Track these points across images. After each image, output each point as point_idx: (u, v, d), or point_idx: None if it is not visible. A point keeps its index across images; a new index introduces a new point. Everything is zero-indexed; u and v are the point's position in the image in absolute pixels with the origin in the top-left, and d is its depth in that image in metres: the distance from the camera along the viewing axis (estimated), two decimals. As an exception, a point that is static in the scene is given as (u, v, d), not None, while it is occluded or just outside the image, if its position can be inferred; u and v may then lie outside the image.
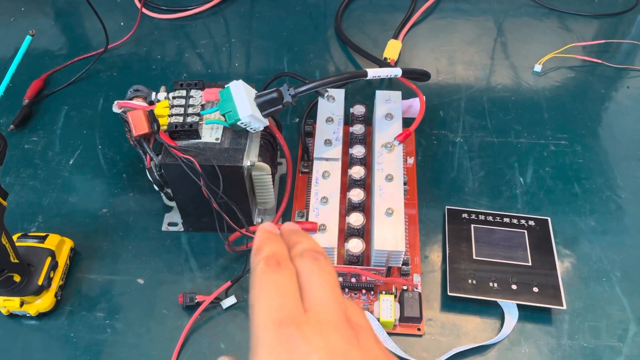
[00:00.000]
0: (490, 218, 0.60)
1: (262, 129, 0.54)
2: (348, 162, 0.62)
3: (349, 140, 0.64)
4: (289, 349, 0.23)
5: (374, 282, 0.56)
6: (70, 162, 0.70)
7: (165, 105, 0.54)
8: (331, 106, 0.64)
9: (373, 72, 0.56)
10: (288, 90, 0.52)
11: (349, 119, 0.66)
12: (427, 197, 0.65)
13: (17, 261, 0.52)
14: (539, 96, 0.76)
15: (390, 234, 0.53)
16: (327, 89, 0.64)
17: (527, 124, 0.72)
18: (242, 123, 0.52)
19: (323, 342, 0.24)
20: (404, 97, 0.65)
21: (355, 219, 0.56)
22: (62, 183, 0.67)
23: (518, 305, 0.55)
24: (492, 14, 0.88)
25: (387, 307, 0.53)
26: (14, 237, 0.57)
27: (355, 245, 0.54)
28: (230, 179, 0.53)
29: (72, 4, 0.92)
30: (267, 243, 0.29)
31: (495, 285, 0.55)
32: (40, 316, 0.56)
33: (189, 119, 0.53)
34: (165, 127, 0.53)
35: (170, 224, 0.63)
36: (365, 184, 0.60)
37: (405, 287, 0.56)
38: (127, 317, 0.56)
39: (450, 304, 0.56)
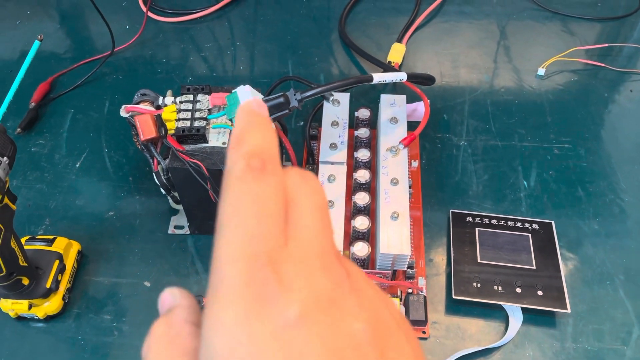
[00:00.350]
0: (494, 221, 0.61)
1: (268, 133, 0.54)
2: (353, 165, 0.62)
3: (354, 144, 0.64)
4: (262, 296, 0.17)
5: (379, 285, 0.56)
6: (77, 165, 0.70)
7: (173, 110, 0.55)
8: (336, 110, 0.64)
9: (379, 77, 0.57)
10: (295, 94, 0.53)
11: (353, 123, 0.66)
12: (431, 201, 0.65)
13: (26, 264, 0.52)
14: (543, 100, 0.76)
15: (396, 237, 0.53)
16: (333, 93, 0.64)
17: (530, 128, 0.73)
18: (248, 127, 0.52)
19: (307, 287, 0.18)
20: (409, 101, 0.66)
21: (361, 223, 0.56)
22: (68, 186, 0.68)
23: (522, 308, 0.55)
24: (495, 17, 0.88)
25: (392, 310, 0.54)
26: (22, 240, 0.57)
27: (360, 249, 0.55)
28: (237, 183, 0.53)
29: (77, 7, 0.93)
30: (251, 131, 0.21)
31: (500, 288, 0.55)
32: (48, 319, 0.57)
33: (196, 124, 0.54)
34: (172, 132, 0.54)
35: (176, 227, 0.63)
36: (371, 188, 0.60)
37: (410, 290, 0.56)
38: (134, 320, 0.57)
39: (455, 307, 0.57)
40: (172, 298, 0.22)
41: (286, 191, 0.21)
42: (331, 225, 0.21)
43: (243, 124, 0.22)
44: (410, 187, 0.62)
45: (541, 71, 0.79)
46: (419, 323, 0.54)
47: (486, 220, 0.61)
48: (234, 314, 0.17)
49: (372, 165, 0.62)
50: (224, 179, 0.20)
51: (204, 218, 0.60)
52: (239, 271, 0.18)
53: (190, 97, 0.56)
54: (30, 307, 0.55)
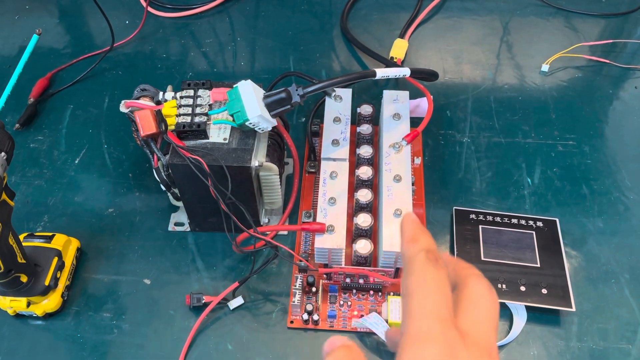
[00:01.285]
0: (498, 219, 0.60)
1: (270, 129, 0.54)
2: (355, 162, 0.61)
3: (356, 140, 0.63)
4: (452, 350, 0.23)
5: (382, 283, 0.56)
6: (76, 162, 0.69)
7: (173, 105, 0.54)
8: (338, 106, 0.63)
9: (382, 72, 0.56)
10: (296, 90, 0.52)
11: (356, 119, 0.65)
12: (434, 198, 0.64)
13: (24, 261, 0.52)
14: (546, 96, 0.75)
15: (399, 235, 0.52)
16: (335, 89, 0.64)
17: (534, 124, 0.72)
18: (250, 123, 0.51)
19: (479, 358, 0.24)
20: (412, 97, 0.65)
21: (363, 220, 0.56)
22: (67, 182, 0.67)
23: (526, 306, 0.54)
24: (498, 13, 0.87)
25: (395, 308, 0.53)
26: (20, 237, 0.57)
27: (363, 246, 0.54)
28: (238, 180, 0.53)
29: (76, 2, 0.92)
30: (422, 235, 0.28)
31: (504, 286, 0.55)
32: (47, 316, 0.56)
33: (196, 119, 0.53)
34: (172, 127, 0.53)
35: (176, 224, 0.63)
36: (373, 185, 0.59)
37: (413, 288, 0.56)
38: (134, 318, 0.56)
39: (458, 306, 0.56)
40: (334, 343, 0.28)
41: (475, 293, 0.27)
42: (497, 333, 0.27)
43: (412, 228, 0.29)
44: (413, 184, 0.61)
45: (545, 67, 0.78)
46: (422, 321, 0.53)
47: (490, 218, 0.60)
48: (436, 352, 0.23)
49: (374, 162, 0.62)
50: (407, 265, 0.27)
51: (205, 215, 0.59)
52: (435, 325, 0.24)
53: (191, 92, 0.55)
54: (28, 304, 0.54)
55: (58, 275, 0.56)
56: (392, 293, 0.55)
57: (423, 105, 0.65)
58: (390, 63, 0.78)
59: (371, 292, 0.56)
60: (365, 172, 0.59)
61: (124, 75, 0.80)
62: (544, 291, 0.54)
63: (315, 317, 0.54)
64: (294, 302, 0.55)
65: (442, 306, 0.25)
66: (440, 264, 0.27)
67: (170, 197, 0.63)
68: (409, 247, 0.28)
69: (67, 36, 0.87)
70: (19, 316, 0.56)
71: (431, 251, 0.27)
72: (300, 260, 0.56)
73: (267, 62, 0.81)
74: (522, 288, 0.55)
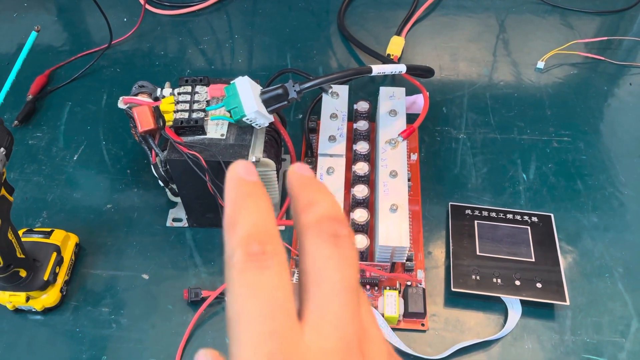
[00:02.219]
0: (493, 214, 0.61)
1: (267, 125, 0.54)
2: (352, 158, 0.62)
3: (352, 137, 0.64)
4: None
5: (378, 277, 0.56)
6: (75, 158, 0.70)
7: (171, 101, 0.55)
8: (335, 102, 0.64)
9: (378, 69, 0.56)
10: (293, 86, 0.52)
11: (352, 115, 0.66)
12: (430, 194, 0.65)
13: (23, 256, 0.52)
14: (542, 93, 0.76)
15: (395, 230, 0.53)
16: (331, 85, 0.64)
17: (529, 121, 0.72)
18: (247, 119, 0.52)
19: None
20: (408, 94, 0.65)
21: (360, 215, 0.56)
22: (66, 179, 0.68)
23: (521, 301, 0.55)
24: (494, 10, 0.88)
25: (391, 302, 0.54)
26: (20, 233, 0.57)
27: (359, 241, 0.55)
28: (236, 175, 0.53)
29: (74, 0, 0.92)
30: (243, 208, 0.20)
31: (499, 281, 0.55)
32: (46, 311, 0.56)
33: (194, 115, 0.53)
34: (170, 123, 0.53)
35: (174, 220, 0.63)
36: (369, 180, 0.60)
37: (409, 283, 0.56)
38: (132, 313, 0.57)
39: (453, 300, 0.57)
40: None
41: (312, 262, 0.20)
42: (358, 306, 0.19)
43: (233, 200, 0.20)
44: (409, 180, 0.61)
45: (540, 64, 0.79)
46: (418, 315, 0.54)
47: (485, 213, 0.61)
48: None
49: (371, 158, 0.62)
50: (225, 271, 0.19)
51: (203, 210, 0.60)
52: None
53: (189, 88, 0.56)
54: (27, 299, 0.54)
55: (57, 271, 0.56)
56: (388, 287, 0.55)
57: (419, 102, 0.66)
58: (386, 60, 0.79)
59: (367, 286, 0.57)
60: (361, 168, 0.59)
61: (122, 72, 0.80)
62: (539, 285, 0.55)
63: (312, 311, 0.55)
64: (291, 296, 0.56)
65: (271, 333, 0.18)
66: (267, 256, 0.19)
67: (168, 193, 0.63)
68: (226, 239, 0.20)
69: (65, 33, 0.87)
70: (18, 311, 0.57)
71: (252, 238, 0.19)
72: (297, 255, 0.57)
73: (265, 59, 0.82)
74: (517, 282, 0.55)
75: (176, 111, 0.54)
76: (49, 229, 0.58)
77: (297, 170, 0.22)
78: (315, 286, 0.19)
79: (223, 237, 0.20)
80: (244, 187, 0.20)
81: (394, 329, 0.54)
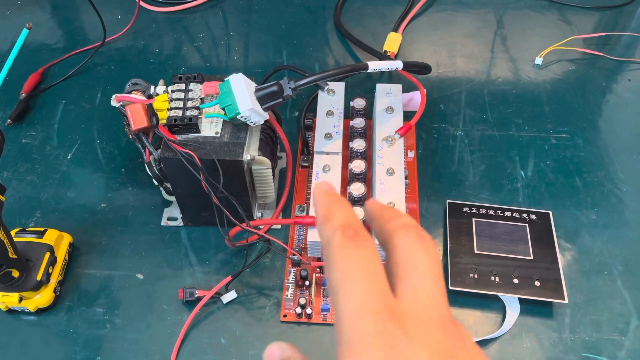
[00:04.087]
0: (491, 212, 0.60)
1: (262, 122, 0.53)
2: (348, 156, 0.61)
3: (349, 134, 0.63)
4: (394, 346, 0.20)
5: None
6: (68, 157, 0.69)
7: (164, 99, 0.54)
8: (331, 99, 0.63)
9: (374, 65, 0.56)
10: (288, 83, 0.52)
11: (349, 113, 0.65)
12: (427, 191, 0.64)
13: (16, 257, 0.51)
14: (540, 89, 0.75)
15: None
16: (327, 82, 0.63)
17: (527, 117, 0.72)
18: (242, 117, 0.51)
19: (429, 342, 0.20)
20: (405, 90, 0.65)
21: (356, 213, 0.55)
22: (60, 178, 0.67)
23: (519, 299, 0.54)
24: (492, 6, 0.87)
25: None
26: (12, 233, 0.56)
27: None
28: (230, 173, 0.53)
29: (68, -3, 0.91)
30: (335, 207, 0.24)
31: (497, 279, 0.55)
32: (39, 312, 0.56)
33: (188, 113, 0.53)
34: (164, 121, 0.53)
35: (169, 219, 0.62)
36: (366, 178, 0.59)
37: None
38: (127, 313, 0.56)
39: (451, 298, 0.56)
40: (280, 351, 0.25)
41: (402, 252, 0.23)
42: (445, 292, 0.22)
43: (325, 203, 0.25)
44: (406, 178, 0.61)
45: (538, 60, 0.78)
46: (415, 314, 0.53)
47: (483, 211, 0.60)
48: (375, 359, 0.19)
49: (367, 156, 0.62)
50: (325, 252, 0.23)
51: (198, 209, 0.59)
52: (369, 325, 0.20)
53: (183, 86, 0.55)
54: (20, 299, 0.54)
55: (50, 271, 0.55)
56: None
57: (416, 99, 0.65)
58: (383, 57, 0.78)
59: (364, 285, 0.56)
60: (358, 165, 0.59)
61: (116, 70, 0.80)
62: (537, 283, 0.54)
63: (309, 310, 0.54)
64: (287, 295, 0.55)
65: (373, 295, 0.21)
66: (361, 238, 0.23)
67: (163, 192, 0.62)
68: (323, 229, 0.24)
69: (59, 31, 0.86)
70: (11, 311, 0.56)
71: (348, 226, 0.23)
72: (294, 254, 0.56)
73: (261, 56, 0.81)
74: (515, 280, 0.55)
75: (170, 109, 0.53)
76: (42, 229, 0.57)
77: (376, 202, 0.28)
78: (408, 271, 0.23)
79: (319, 231, 0.24)
80: (332, 195, 0.26)
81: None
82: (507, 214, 0.60)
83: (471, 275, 0.55)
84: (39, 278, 0.54)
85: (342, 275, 0.22)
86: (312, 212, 0.54)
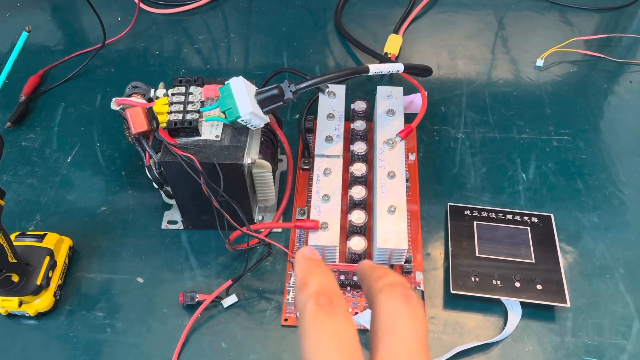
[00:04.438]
0: (492, 215, 0.60)
1: (262, 126, 0.53)
2: (349, 158, 0.61)
3: (350, 137, 0.63)
4: None
5: (376, 280, 0.55)
6: (68, 160, 0.69)
7: (164, 102, 0.54)
8: (332, 102, 0.63)
9: (375, 68, 0.56)
10: (289, 86, 0.52)
11: (349, 115, 0.65)
12: (428, 194, 0.64)
13: (15, 261, 0.51)
14: (541, 91, 0.75)
15: (393, 231, 0.52)
16: (328, 85, 0.63)
17: (529, 120, 0.72)
18: (242, 120, 0.51)
19: None
20: (406, 93, 0.65)
21: (357, 217, 0.55)
22: (60, 181, 0.67)
23: (521, 302, 0.54)
24: (492, 7, 0.87)
25: (389, 305, 0.53)
26: (12, 236, 0.56)
27: (357, 243, 0.54)
28: (231, 177, 0.52)
29: (68, -1, 0.91)
30: (312, 274, 0.25)
31: (499, 282, 0.55)
32: (40, 316, 0.56)
33: (188, 116, 0.53)
34: (164, 125, 0.53)
35: (170, 222, 0.62)
36: (367, 181, 0.59)
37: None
38: (127, 317, 0.56)
39: (452, 302, 0.56)
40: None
41: (384, 314, 0.23)
42: (428, 355, 0.22)
43: (303, 269, 0.25)
44: (407, 181, 0.61)
45: (540, 62, 0.78)
46: (417, 318, 0.53)
47: (484, 214, 0.60)
48: None
49: (368, 159, 0.61)
50: (299, 319, 0.23)
51: (198, 213, 0.59)
52: None
53: (183, 89, 0.55)
54: (20, 304, 0.54)
55: (50, 275, 0.55)
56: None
57: (417, 101, 0.65)
58: (384, 59, 0.78)
59: (365, 289, 0.56)
60: (359, 168, 0.59)
61: (116, 72, 0.79)
62: (539, 287, 0.54)
63: (310, 314, 0.54)
64: (288, 299, 0.55)
65: None
66: (334, 307, 0.22)
67: (163, 195, 0.62)
68: (298, 296, 0.24)
69: (59, 33, 0.86)
70: (11, 316, 0.56)
71: (321, 293, 0.23)
72: (293, 258, 0.56)
73: (261, 58, 0.81)
74: (517, 284, 0.54)
75: (170, 112, 0.53)
76: (41, 232, 0.57)
77: (367, 262, 0.28)
78: (388, 333, 0.22)
79: (295, 297, 0.26)
80: (311, 261, 0.26)
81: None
82: (509, 216, 0.60)
83: (473, 278, 0.55)
84: (38, 282, 0.54)
85: (312, 346, 0.21)
86: (313, 216, 0.54)
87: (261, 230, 0.59)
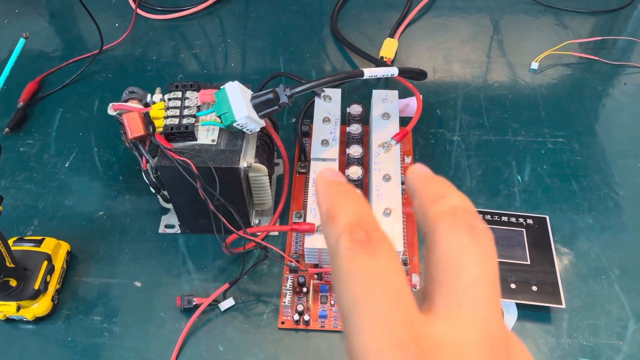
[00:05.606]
0: (488, 217, 0.60)
1: (258, 130, 0.54)
2: (345, 162, 0.61)
3: (346, 140, 0.63)
4: None
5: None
6: (66, 165, 0.69)
7: (161, 107, 0.54)
8: (328, 106, 0.63)
9: (369, 72, 0.56)
10: (284, 90, 0.52)
11: (345, 119, 0.65)
12: (424, 197, 0.64)
13: (13, 266, 0.51)
14: (536, 94, 0.76)
15: (388, 234, 0.52)
16: (324, 89, 0.64)
17: (524, 122, 0.72)
18: (238, 124, 0.51)
19: None
20: (401, 96, 0.65)
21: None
22: (57, 186, 0.67)
23: (517, 304, 0.54)
24: (488, 11, 0.88)
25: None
26: (10, 242, 0.56)
27: (355, 171, 0.54)
28: (227, 181, 0.53)
29: (66, 5, 0.92)
30: (341, 202, 0.19)
31: (494, 284, 0.55)
32: (37, 320, 0.56)
33: (184, 121, 0.53)
34: (160, 129, 0.53)
35: (167, 226, 0.63)
36: (363, 184, 0.59)
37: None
38: (125, 321, 0.56)
39: (449, 304, 0.56)
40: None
41: (448, 252, 0.18)
42: (500, 306, 0.17)
43: (328, 197, 0.19)
44: (403, 184, 0.61)
45: (535, 65, 0.78)
46: (413, 320, 0.53)
47: (480, 216, 0.60)
48: None
49: (364, 162, 0.62)
50: (332, 260, 0.18)
51: (195, 217, 0.59)
52: None
53: (179, 94, 0.55)
54: (18, 308, 0.54)
55: (48, 279, 0.55)
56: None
57: (412, 105, 0.65)
58: (380, 62, 0.78)
59: (362, 291, 0.56)
60: (355, 172, 0.59)
61: (114, 77, 0.80)
62: (534, 288, 0.54)
63: (306, 317, 0.54)
64: (284, 302, 0.55)
65: (395, 323, 0.16)
66: (374, 243, 0.17)
67: (160, 200, 0.62)
68: (327, 231, 0.18)
69: (57, 39, 0.86)
70: (9, 320, 0.56)
71: (357, 226, 0.18)
72: (291, 261, 0.56)
73: (257, 63, 0.81)
74: (513, 285, 0.55)
75: (166, 117, 0.53)
76: (39, 237, 0.58)
77: (419, 169, 0.21)
78: (450, 277, 0.17)
79: (323, 233, 0.19)
80: (336, 185, 0.20)
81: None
82: (504, 218, 0.60)
83: (468, 280, 0.55)
84: (36, 287, 0.54)
85: (353, 296, 0.17)
86: (309, 219, 0.54)
87: (258, 233, 0.59)
